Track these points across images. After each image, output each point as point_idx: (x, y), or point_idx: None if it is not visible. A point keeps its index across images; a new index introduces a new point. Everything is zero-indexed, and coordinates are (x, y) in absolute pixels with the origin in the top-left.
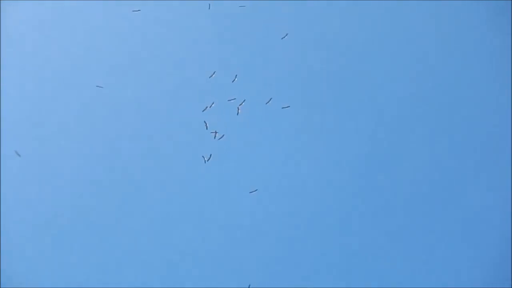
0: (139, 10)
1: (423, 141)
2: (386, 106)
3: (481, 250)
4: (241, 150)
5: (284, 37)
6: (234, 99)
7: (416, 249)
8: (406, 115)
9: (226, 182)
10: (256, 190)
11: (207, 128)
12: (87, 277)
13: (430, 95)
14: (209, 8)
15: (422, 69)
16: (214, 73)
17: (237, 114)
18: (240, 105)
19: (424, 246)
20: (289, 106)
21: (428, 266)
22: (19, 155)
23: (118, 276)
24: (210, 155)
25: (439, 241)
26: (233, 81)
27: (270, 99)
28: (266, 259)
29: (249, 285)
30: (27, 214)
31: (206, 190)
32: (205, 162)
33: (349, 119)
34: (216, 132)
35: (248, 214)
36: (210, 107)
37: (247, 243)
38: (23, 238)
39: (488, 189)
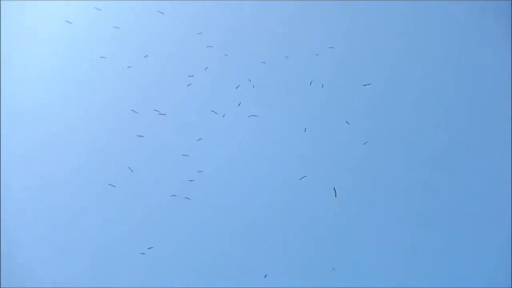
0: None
1: (422, 140)
2: (385, 106)
3: (481, 250)
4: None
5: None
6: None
7: (415, 249)
8: (404, 115)
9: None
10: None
11: None
12: (87, 277)
13: (429, 95)
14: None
15: (421, 69)
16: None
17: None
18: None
19: (423, 245)
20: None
21: (427, 266)
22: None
23: (119, 276)
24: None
25: (438, 240)
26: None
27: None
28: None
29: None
30: (27, 214)
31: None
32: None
33: (350, 119)
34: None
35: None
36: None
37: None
38: (23, 238)
39: (488, 189)
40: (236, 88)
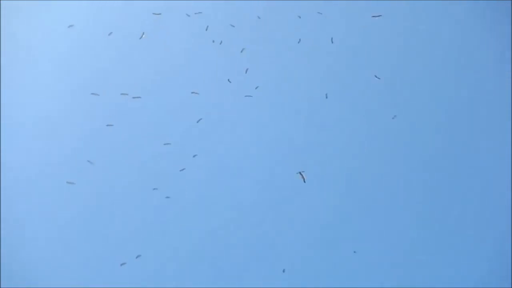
0: (139, 97)
1: (422, 140)
2: (384, 105)
3: (481, 250)
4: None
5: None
6: None
7: (415, 248)
8: (403, 114)
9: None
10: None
11: None
12: (87, 277)
13: (428, 95)
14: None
15: (421, 69)
16: (143, 34)
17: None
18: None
19: (423, 245)
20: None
21: (427, 266)
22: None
23: (119, 276)
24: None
25: (439, 240)
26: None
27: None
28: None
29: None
30: (28, 214)
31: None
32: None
33: (349, 118)
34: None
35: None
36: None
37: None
38: (23, 238)
39: (489, 189)
40: (241, 51)
